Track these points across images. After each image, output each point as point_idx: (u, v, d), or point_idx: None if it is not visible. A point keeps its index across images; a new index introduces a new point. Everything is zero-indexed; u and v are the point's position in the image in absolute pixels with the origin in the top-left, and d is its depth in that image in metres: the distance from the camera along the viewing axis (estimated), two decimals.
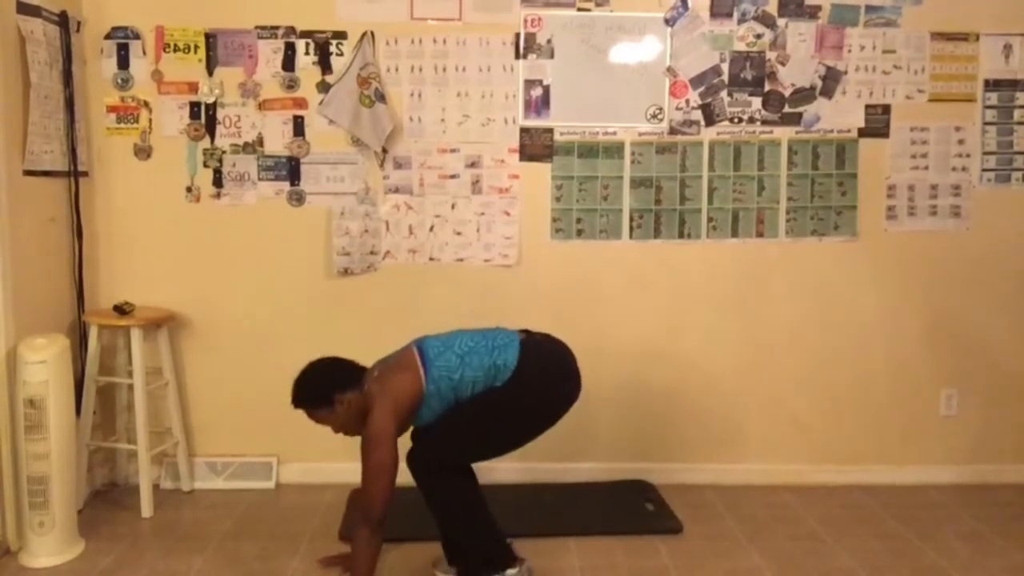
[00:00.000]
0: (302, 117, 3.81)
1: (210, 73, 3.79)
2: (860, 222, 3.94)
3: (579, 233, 3.90)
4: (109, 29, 3.74)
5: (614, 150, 3.87)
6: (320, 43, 3.79)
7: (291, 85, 3.80)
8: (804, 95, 3.90)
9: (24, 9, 3.28)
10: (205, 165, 3.81)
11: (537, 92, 3.84)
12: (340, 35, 3.78)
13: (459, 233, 3.87)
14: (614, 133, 3.87)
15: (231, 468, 3.88)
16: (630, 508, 3.65)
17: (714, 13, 3.84)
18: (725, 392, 3.97)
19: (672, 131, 3.88)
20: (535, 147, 3.84)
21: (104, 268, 3.81)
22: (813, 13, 3.86)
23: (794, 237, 3.94)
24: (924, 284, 3.97)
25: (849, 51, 3.88)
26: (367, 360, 3.91)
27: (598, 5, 3.81)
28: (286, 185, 3.84)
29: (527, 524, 3.08)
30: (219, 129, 3.81)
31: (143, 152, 3.80)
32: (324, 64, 3.79)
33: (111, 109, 3.78)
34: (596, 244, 3.90)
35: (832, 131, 3.91)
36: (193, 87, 3.79)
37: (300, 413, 3.84)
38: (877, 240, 3.95)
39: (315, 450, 3.89)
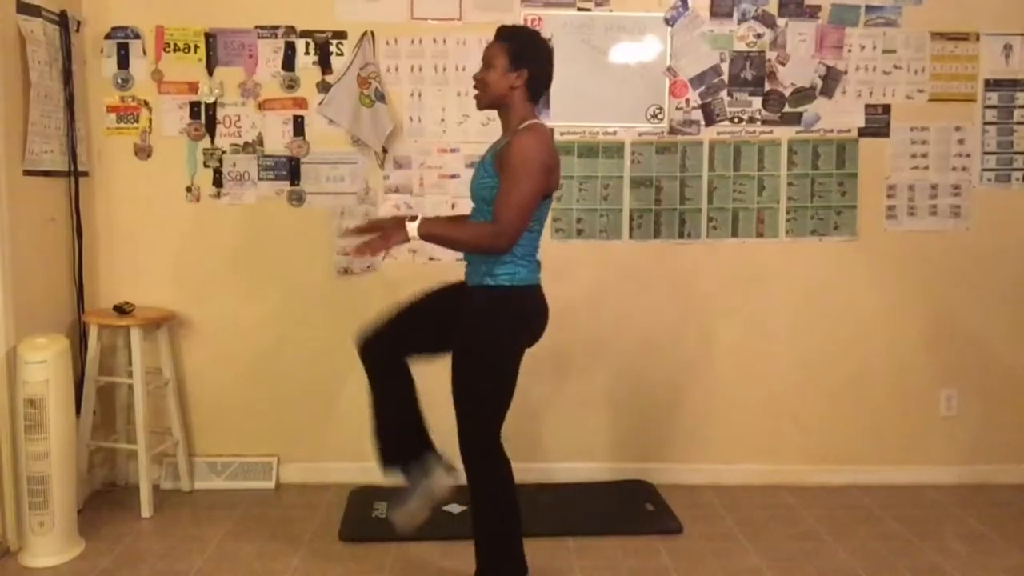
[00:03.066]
0: (302, 117, 3.81)
1: (210, 73, 3.78)
2: (860, 222, 3.94)
3: (579, 233, 3.90)
4: (109, 29, 3.74)
5: (614, 150, 3.87)
6: (320, 43, 3.78)
7: (291, 85, 3.80)
8: (804, 95, 3.90)
9: (24, 9, 3.28)
10: (205, 165, 3.81)
11: None
12: (340, 35, 3.78)
13: None
14: (614, 133, 3.87)
15: (231, 468, 3.88)
16: (630, 508, 3.65)
17: (714, 13, 3.84)
18: (725, 392, 3.97)
19: (672, 131, 3.88)
20: None
21: (104, 268, 3.81)
22: (813, 13, 3.86)
23: (794, 237, 3.94)
24: (924, 284, 3.97)
25: (849, 51, 3.88)
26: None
27: (598, 5, 3.81)
28: (286, 185, 3.84)
29: (527, 524, 3.07)
30: (219, 129, 3.80)
31: (143, 152, 3.80)
32: (324, 64, 3.79)
33: (111, 109, 3.78)
34: (596, 244, 3.90)
35: (832, 131, 3.91)
36: (193, 87, 3.78)
37: (300, 413, 3.89)
38: (877, 240, 3.95)
39: (315, 450, 3.91)
